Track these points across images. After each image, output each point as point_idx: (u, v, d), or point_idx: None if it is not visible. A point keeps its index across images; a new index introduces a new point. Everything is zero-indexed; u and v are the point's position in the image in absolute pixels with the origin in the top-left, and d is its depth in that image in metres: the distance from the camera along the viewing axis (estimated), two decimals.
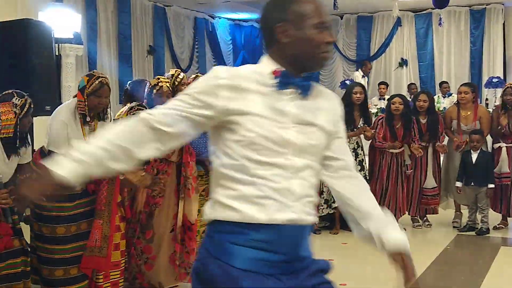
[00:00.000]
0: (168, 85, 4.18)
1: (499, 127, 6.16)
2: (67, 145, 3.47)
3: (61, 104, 3.76)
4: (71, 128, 3.50)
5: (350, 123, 6.22)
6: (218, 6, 12.67)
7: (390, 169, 6.30)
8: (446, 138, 6.59)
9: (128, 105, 4.47)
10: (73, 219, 3.62)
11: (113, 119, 3.97)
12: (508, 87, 6.31)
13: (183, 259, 4.21)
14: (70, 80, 8.82)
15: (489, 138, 6.47)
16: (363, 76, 11.72)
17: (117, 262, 3.83)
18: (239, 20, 14.41)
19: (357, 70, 12.74)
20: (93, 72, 3.69)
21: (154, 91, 4.14)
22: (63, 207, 3.55)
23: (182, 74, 5.00)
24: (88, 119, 3.55)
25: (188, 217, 4.21)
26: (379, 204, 6.38)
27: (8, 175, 3.35)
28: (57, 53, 8.21)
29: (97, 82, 3.56)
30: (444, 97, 11.18)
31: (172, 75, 4.73)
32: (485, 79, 11.79)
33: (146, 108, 3.84)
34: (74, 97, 3.65)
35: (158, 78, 4.25)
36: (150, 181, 3.78)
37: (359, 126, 6.25)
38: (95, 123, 3.63)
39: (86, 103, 3.53)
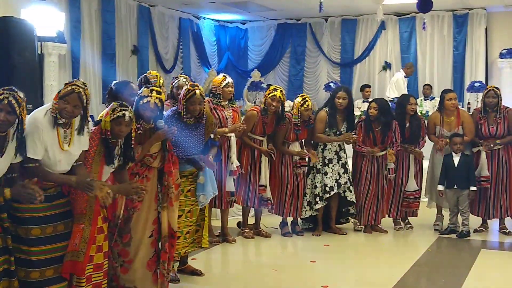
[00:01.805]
0: (157, 101, 4.08)
1: (486, 144, 6.22)
2: (43, 151, 3.44)
3: (42, 103, 3.70)
4: (47, 134, 3.45)
5: (333, 126, 6.25)
6: (203, 7, 12.64)
7: (371, 172, 6.34)
8: (430, 144, 6.64)
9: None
10: (49, 221, 3.56)
11: (95, 121, 3.91)
12: (489, 89, 6.39)
13: (164, 265, 4.18)
14: (53, 79, 8.76)
15: None
16: (405, 77, 11.70)
17: (100, 264, 3.78)
18: (224, 21, 14.39)
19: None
20: (76, 80, 3.63)
21: (142, 101, 4.07)
22: (36, 208, 3.49)
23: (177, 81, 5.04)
24: (59, 121, 3.48)
25: (171, 225, 4.19)
26: (361, 206, 6.47)
27: (0, 173, 3.31)
28: (39, 52, 8.14)
29: (69, 88, 3.50)
30: (425, 100, 11.27)
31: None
32: (467, 83, 11.88)
33: (128, 108, 3.78)
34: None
35: (151, 91, 4.10)
36: (108, 202, 3.67)
37: (341, 130, 6.28)
38: (71, 134, 3.56)
39: (56, 106, 3.49)
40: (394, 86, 11.43)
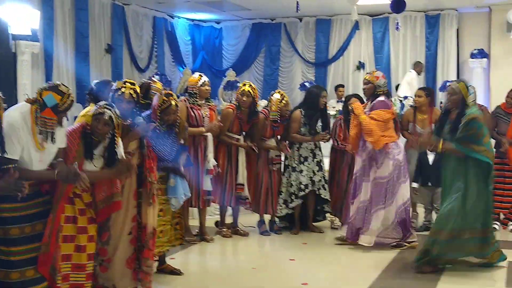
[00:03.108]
0: (132, 92, 4.09)
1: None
2: (21, 151, 3.40)
3: (16, 101, 3.66)
4: (23, 134, 3.43)
5: (311, 126, 6.28)
6: (178, 5, 12.60)
7: (350, 170, 6.38)
8: (402, 141, 6.72)
9: (93, 105, 4.40)
10: (27, 220, 3.55)
11: (76, 117, 3.92)
12: None
13: (147, 263, 4.18)
14: (25, 78, 8.63)
15: None
16: (418, 75, 11.79)
17: (81, 265, 3.76)
18: (199, 20, 14.37)
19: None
20: (58, 86, 3.57)
21: (116, 94, 4.10)
22: (15, 208, 3.48)
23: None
24: (51, 135, 3.50)
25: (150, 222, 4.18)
26: (340, 205, 6.45)
27: None
28: (12, 50, 8.03)
29: (69, 101, 3.55)
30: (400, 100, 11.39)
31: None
32: (439, 83, 12.09)
33: (113, 108, 3.79)
34: (27, 101, 3.56)
35: (125, 82, 4.16)
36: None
37: (316, 128, 6.32)
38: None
39: (58, 121, 3.52)
40: (407, 85, 11.52)
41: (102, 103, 3.82)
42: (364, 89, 5.90)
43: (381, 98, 5.78)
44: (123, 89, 4.08)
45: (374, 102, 5.76)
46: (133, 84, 4.17)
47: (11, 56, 7.48)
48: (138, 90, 4.18)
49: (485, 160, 4.86)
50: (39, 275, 3.57)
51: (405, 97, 11.31)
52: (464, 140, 4.82)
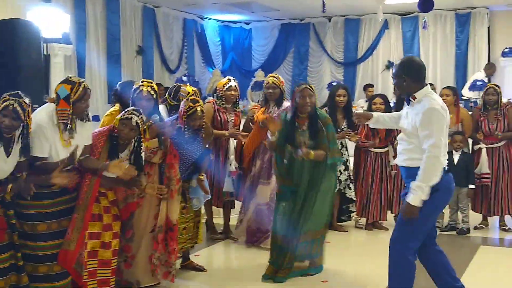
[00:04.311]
0: (149, 89, 4.24)
1: (479, 134, 6.30)
2: (49, 148, 3.55)
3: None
4: (50, 132, 3.57)
5: (335, 124, 6.31)
6: (207, 7, 12.74)
7: (374, 169, 6.39)
8: None
9: (118, 105, 4.55)
10: (54, 216, 3.69)
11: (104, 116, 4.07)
12: (489, 87, 6.45)
13: (166, 258, 4.29)
14: (59, 80, 8.83)
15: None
16: (486, 77, 11.41)
17: (107, 261, 3.89)
18: (228, 21, 14.50)
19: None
20: (70, 78, 3.73)
21: (135, 94, 4.25)
22: (41, 205, 3.62)
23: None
24: (69, 126, 3.61)
25: (170, 218, 4.28)
26: (364, 204, 6.36)
27: (7, 173, 3.43)
28: (45, 53, 8.25)
29: (81, 88, 3.65)
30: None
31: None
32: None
33: (139, 115, 3.91)
34: (49, 101, 3.71)
35: (142, 81, 4.32)
36: (134, 173, 3.84)
37: (342, 127, 6.34)
38: (73, 125, 3.69)
39: (72, 111, 3.62)
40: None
41: (131, 108, 3.95)
42: (271, 93, 5.72)
43: (288, 103, 5.62)
44: (141, 88, 4.22)
45: (283, 108, 5.60)
46: (150, 82, 4.33)
47: (42, 59, 7.69)
48: (156, 88, 4.33)
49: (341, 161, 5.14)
50: (65, 270, 3.71)
51: None
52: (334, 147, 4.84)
